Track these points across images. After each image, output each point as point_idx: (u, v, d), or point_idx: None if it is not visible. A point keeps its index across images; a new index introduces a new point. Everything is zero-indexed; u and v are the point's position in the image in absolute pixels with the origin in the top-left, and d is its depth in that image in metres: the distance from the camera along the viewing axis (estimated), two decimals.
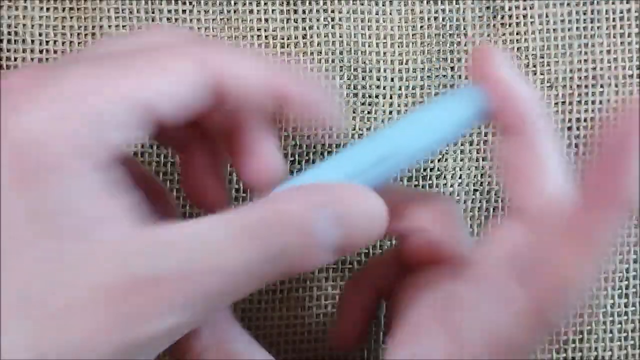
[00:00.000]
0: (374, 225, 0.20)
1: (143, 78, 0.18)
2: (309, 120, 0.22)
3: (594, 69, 0.31)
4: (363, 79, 0.31)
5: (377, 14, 0.31)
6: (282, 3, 0.30)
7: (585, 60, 0.31)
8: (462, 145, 0.30)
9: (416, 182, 0.30)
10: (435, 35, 0.31)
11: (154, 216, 0.19)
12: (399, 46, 0.31)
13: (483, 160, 0.30)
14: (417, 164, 0.30)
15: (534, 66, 0.31)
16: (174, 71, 0.19)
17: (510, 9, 0.31)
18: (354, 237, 0.20)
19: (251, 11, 0.30)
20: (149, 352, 0.18)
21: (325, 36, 0.31)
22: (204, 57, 0.20)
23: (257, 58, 0.22)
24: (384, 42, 0.31)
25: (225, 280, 0.18)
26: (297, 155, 0.30)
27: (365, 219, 0.20)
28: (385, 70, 0.31)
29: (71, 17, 0.30)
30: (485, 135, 0.31)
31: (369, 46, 0.31)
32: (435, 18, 0.31)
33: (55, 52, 0.30)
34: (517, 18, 0.31)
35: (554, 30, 0.31)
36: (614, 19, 0.31)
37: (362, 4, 0.31)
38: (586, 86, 0.31)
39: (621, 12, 0.31)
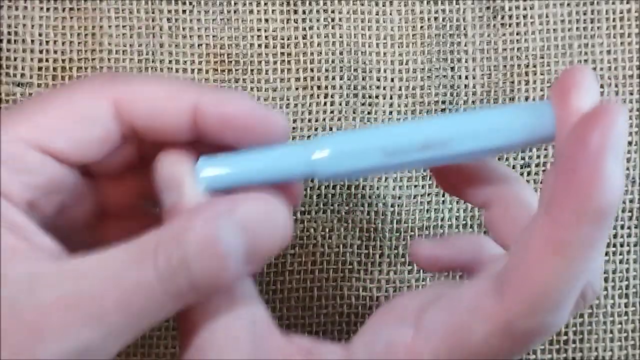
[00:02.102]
0: (278, 232, 0.21)
1: (33, 119, 0.20)
2: (241, 131, 0.22)
3: (594, 69, 0.31)
4: (363, 79, 0.31)
5: (377, 14, 0.31)
6: (282, 3, 0.30)
7: (586, 61, 0.31)
8: None
9: (415, 183, 0.30)
10: (435, 35, 0.31)
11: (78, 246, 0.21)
12: (399, 46, 0.31)
13: None
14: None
15: (534, 66, 0.31)
16: (67, 109, 0.21)
17: (510, 9, 0.31)
18: (259, 245, 0.20)
19: (251, 11, 0.30)
20: None
21: (325, 36, 0.31)
22: (104, 91, 0.21)
23: (163, 82, 0.22)
24: (384, 43, 0.31)
25: (124, 303, 0.19)
26: None
27: (268, 226, 0.20)
28: (385, 71, 0.31)
29: (71, 18, 0.30)
30: None
31: (369, 46, 0.31)
32: (436, 18, 0.31)
33: (55, 52, 0.30)
34: (517, 18, 0.31)
35: (554, 30, 0.31)
36: (614, 19, 0.31)
37: (362, 5, 0.31)
38: None
39: (621, 12, 0.31)
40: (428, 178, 0.30)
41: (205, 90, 0.22)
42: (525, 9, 0.31)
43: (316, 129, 0.30)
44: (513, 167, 0.30)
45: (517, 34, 0.31)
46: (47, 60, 0.30)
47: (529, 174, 0.30)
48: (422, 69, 0.31)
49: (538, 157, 0.30)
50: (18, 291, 0.19)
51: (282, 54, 0.30)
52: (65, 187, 0.22)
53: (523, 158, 0.30)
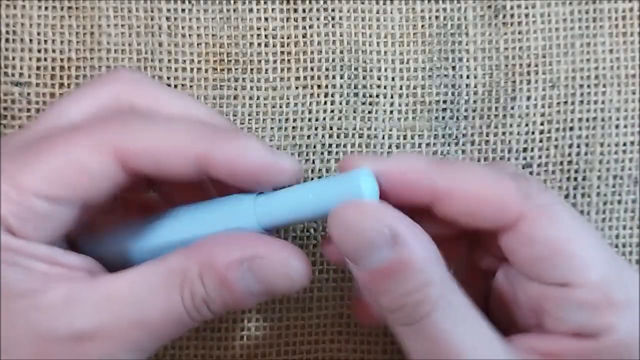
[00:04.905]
0: (293, 282, 0.22)
1: (36, 168, 0.21)
2: (250, 180, 0.22)
3: (597, 68, 0.31)
4: (364, 78, 0.30)
5: (377, 12, 0.30)
6: (282, 2, 0.30)
7: (588, 60, 0.31)
8: (463, 145, 0.30)
9: None
10: (436, 34, 0.30)
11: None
12: (399, 45, 0.30)
13: (485, 160, 0.30)
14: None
15: (536, 66, 0.30)
16: (68, 159, 0.21)
17: (512, 8, 0.30)
18: (273, 290, 0.22)
19: (251, 10, 0.30)
20: None
21: (325, 35, 0.30)
22: (103, 138, 0.22)
23: (168, 130, 0.22)
24: (384, 41, 0.30)
25: (154, 328, 0.21)
26: (297, 155, 0.30)
27: (282, 276, 0.22)
28: (386, 70, 0.30)
29: (70, 17, 0.30)
30: (487, 135, 0.30)
31: (369, 45, 0.30)
32: (437, 17, 0.31)
33: (53, 51, 0.30)
34: (519, 17, 0.30)
35: (556, 29, 0.30)
36: (616, 18, 0.31)
37: (363, 3, 0.30)
38: (588, 86, 0.30)
39: (623, 11, 0.31)
40: None
41: (214, 140, 0.22)
42: (527, 7, 0.30)
43: (316, 129, 0.30)
44: None
45: (518, 33, 0.30)
46: (45, 60, 0.30)
47: (530, 174, 0.30)
48: (423, 68, 0.30)
49: (540, 157, 0.30)
50: (55, 317, 0.21)
51: (282, 52, 0.30)
52: (78, 217, 0.23)
53: (525, 158, 0.30)
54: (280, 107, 0.30)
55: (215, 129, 0.22)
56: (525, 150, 0.30)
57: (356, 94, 0.30)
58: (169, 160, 0.22)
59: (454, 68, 0.30)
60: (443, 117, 0.30)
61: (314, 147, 0.30)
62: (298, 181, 0.23)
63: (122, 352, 0.21)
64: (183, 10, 0.30)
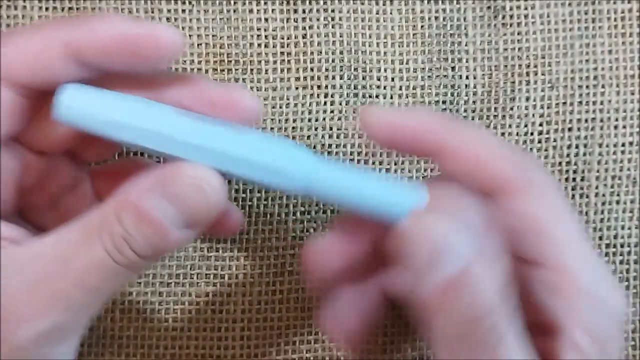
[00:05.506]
0: (207, 196, 0.21)
1: None
2: (125, 57, 0.22)
3: (596, 69, 0.31)
4: (363, 78, 0.30)
5: (377, 13, 0.31)
6: (282, 3, 0.30)
7: (587, 61, 0.31)
8: None
9: (416, 182, 0.30)
10: (436, 35, 0.31)
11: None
12: (399, 46, 0.31)
13: None
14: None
15: (535, 66, 0.30)
16: (25, 46, 0.21)
17: (511, 8, 0.31)
18: (194, 211, 0.21)
19: (251, 11, 0.30)
20: (40, 353, 0.21)
21: (325, 36, 0.30)
22: (56, 32, 0.21)
23: (32, 31, 0.22)
24: (384, 42, 0.31)
25: (79, 277, 0.21)
26: None
27: (194, 189, 0.21)
28: (385, 70, 0.30)
29: (70, 17, 0.30)
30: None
31: (369, 46, 0.30)
32: (436, 18, 0.31)
33: None
34: (518, 18, 0.31)
35: (555, 30, 0.31)
36: (615, 19, 0.31)
37: (363, 4, 0.30)
38: (587, 86, 0.31)
39: (622, 12, 0.31)
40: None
41: (77, 24, 0.21)
42: (526, 8, 0.31)
43: (316, 129, 0.30)
44: None
45: (518, 34, 0.31)
46: None
47: None
48: (423, 68, 0.31)
49: (538, 157, 0.30)
50: None
51: (282, 53, 0.30)
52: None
53: None
54: (280, 107, 0.30)
55: (82, 17, 0.22)
56: (524, 150, 0.30)
57: (356, 94, 0.30)
58: (45, 61, 0.21)
59: (453, 69, 0.31)
60: None
61: (314, 147, 0.30)
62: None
63: (53, 309, 0.20)
64: (183, 10, 0.30)
